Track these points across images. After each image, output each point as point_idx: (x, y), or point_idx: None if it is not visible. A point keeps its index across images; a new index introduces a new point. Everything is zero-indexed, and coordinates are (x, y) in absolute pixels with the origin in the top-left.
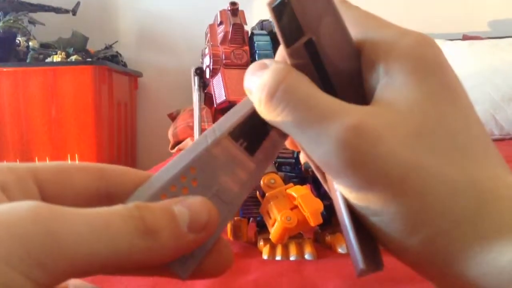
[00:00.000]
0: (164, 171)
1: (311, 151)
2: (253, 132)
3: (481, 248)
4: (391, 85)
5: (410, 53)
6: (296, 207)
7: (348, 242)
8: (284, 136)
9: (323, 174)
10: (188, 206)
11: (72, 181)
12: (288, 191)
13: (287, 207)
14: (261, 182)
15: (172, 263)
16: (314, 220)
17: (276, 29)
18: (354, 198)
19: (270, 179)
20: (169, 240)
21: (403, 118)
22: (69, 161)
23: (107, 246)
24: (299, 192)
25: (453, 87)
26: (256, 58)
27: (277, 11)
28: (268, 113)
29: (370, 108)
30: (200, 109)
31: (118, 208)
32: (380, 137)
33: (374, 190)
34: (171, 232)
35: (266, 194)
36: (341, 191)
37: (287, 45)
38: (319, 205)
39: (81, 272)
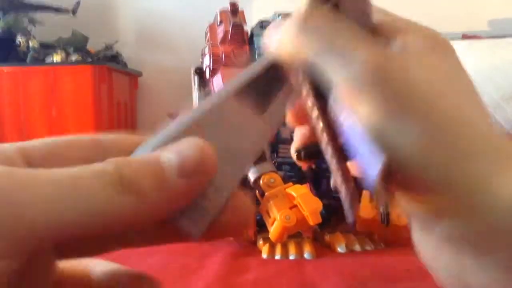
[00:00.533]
0: (166, 130)
1: (339, 73)
2: (261, 92)
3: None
4: (410, 51)
5: (426, 33)
6: (295, 206)
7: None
8: (293, 95)
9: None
10: (176, 150)
11: (65, 156)
12: (288, 190)
13: (287, 206)
14: (261, 182)
15: (181, 222)
16: (313, 219)
17: None
18: (377, 123)
19: (269, 178)
20: (154, 191)
21: (425, 71)
22: (61, 136)
23: (75, 206)
24: (299, 192)
25: (463, 70)
26: (256, 58)
27: None
28: (297, 39)
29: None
30: None
31: (92, 165)
32: (408, 68)
33: (401, 111)
34: (154, 181)
35: (266, 193)
36: (363, 120)
37: None
38: (318, 204)
39: (53, 238)
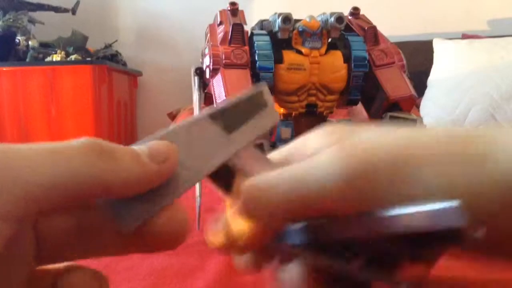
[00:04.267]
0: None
1: (319, 179)
2: (233, 116)
3: None
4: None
5: (326, 130)
6: None
7: None
8: (269, 123)
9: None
10: (146, 144)
11: None
12: None
13: None
14: None
15: (117, 212)
16: None
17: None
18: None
19: None
20: (130, 163)
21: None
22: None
23: (59, 168)
24: None
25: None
26: (256, 58)
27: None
28: (259, 201)
29: None
30: (200, 109)
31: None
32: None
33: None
34: (132, 157)
35: None
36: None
37: (227, 193)
38: None
39: (44, 199)
